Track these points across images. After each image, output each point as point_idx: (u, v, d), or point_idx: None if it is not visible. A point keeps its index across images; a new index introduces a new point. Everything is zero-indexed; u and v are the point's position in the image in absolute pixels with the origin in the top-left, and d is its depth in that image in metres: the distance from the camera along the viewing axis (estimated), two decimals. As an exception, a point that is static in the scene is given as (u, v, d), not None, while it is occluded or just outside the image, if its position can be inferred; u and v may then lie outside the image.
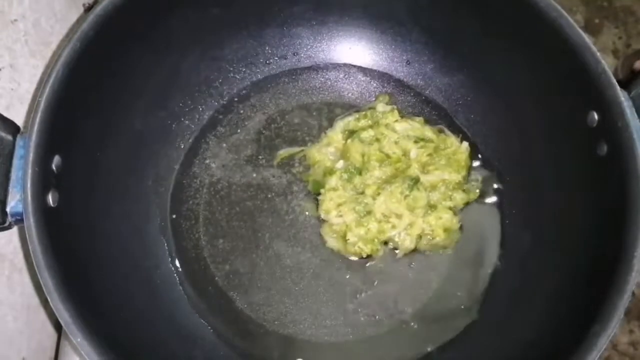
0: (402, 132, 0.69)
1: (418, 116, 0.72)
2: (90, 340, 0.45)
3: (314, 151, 0.70)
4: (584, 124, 0.55)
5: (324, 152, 0.70)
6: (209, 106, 0.72)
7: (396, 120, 0.69)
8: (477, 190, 0.68)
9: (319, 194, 0.68)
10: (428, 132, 0.69)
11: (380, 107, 0.71)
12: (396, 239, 0.66)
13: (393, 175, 0.67)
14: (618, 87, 0.52)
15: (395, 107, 0.71)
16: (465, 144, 0.69)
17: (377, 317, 0.64)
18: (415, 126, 0.69)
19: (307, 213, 0.68)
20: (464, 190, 0.67)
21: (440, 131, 0.71)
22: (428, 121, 0.71)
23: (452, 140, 0.70)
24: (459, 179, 0.67)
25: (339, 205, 0.66)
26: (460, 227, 0.67)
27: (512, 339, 0.59)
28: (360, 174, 0.67)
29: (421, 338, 0.63)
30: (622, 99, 0.52)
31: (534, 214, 0.65)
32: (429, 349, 0.63)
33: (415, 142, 0.68)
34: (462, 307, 0.64)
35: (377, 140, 0.68)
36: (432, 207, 0.66)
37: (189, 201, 0.68)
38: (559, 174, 0.62)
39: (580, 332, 0.47)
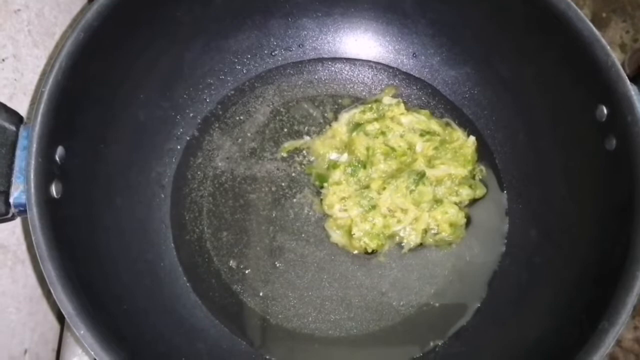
0: (407, 125, 0.68)
1: (424, 109, 0.71)
2: (93, 332, 0.45)
3: (319, 144, 0.70)
4: (593, 118, 0.54)
5: (329, 144, 0.69)
6: (213, 98, 0.72)
7: (402, 114, 0.69)
8: (484, 187, 0.68)
9: (322, 186, 0.67)
10: (434, 125, 0.69)
11: (386, 99, 0.70)
12: (401, 234, 0.65)
13: (398, 169, 0.66)
14: (628, 81, 0.51)
15: (401, 100, 0.70)
16: (472, 138, 0.69)
17: (381, 311, 0.64)
18: (421, 119, 0.69)
19: (311, 206, 0.68)
20: (470, 186, 0.67)
21: (447, 124, 0.70)
22: (434, 114, 0.71)
23: (458, 134, 0.69)
24: (465, 173, 0.67)
25: (342, 199, 0.66)
26: (466, 223, 0.66)
27: (517, 335, 0.59)
28: (364, 167, 0.67)
29: (426, 333, 0.63)
30: (633, 92, 0.51)
31: (541, 210, 0.64)
32: (433, 344, 0.63)
33: (421, 135, 0.68)
34: (467, 302, 0.64)
35: (383, 133, 0.68)
36: (437, 201, 0.65)
37: (192, 193, 0.68)
38: (566, 169, 0.61)
39: (588, 329, 0.47)
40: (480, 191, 0.67)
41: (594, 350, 0.46)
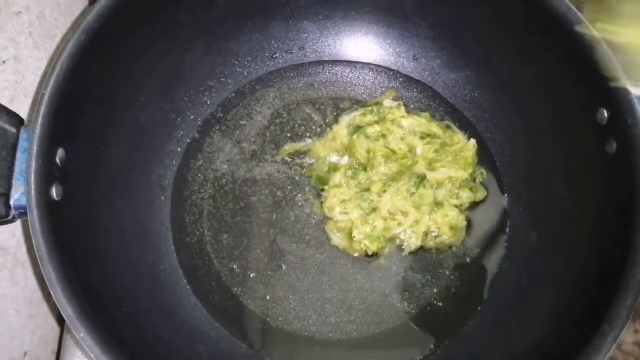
0: (408, 128, 0.68)
1: (424, 112, 0.71)
2: (93, 334, 0.45)
3: (319, 146, 0.69)
4: (594, 120, 0.55)
5: (329, 147, 0.69)
6: (214, 100, 0.72)
7: (402, 116, 0.69)
8: (485, 190, 0.68)
9: (323, 189, 0.67)
10: (434, 127, 0.69)
11: (387, 102, 0.70)
12: (402, 237, 0.65)
13: (399, 171, 0.66)
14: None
15: (401, 102, 0.70)
16: (473, 141, 0.69)
17: (382, 314, 0.64)
18: (421, 122, 0.69)
19: (312, 209, 0.68)
20: (470, 189, 0.67)
21: (447, 127, 0.70)
22: (434, 117, 0.71)
23: (459, 136, 0.69)
24: (465, 176, 0.67)
25: (343, 201, 0.65)
26: (467, 225, 0.66)
27: (517, 339, 0.58)
28: (365, 170, 0.66)
29: (426, 335, 0.63)
30: (633, 95, 0.51)
31: (541, 212, 0.64)
32: (433, 347, 0.63)
33: (422, 138, 0.68)
34: (468, 306, 0.64)
35: (383, 136, 0.68)
36: (438, 204, 0.65)
37: (192, 196, 0.68)
38: (567, 172, 0.61)
39: (588, 332, 0.47)
40: (480, 194, 0.67)
41: (594, 353, 0.46)
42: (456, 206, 0.66)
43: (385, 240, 0.65)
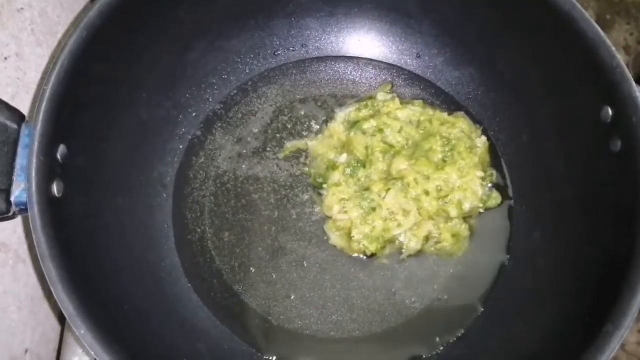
0: (404, 119, 0.67)
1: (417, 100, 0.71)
2: (93, 332, 0.45)
3: (317, 144, 0.69)
4: (598, 119, 0.54)
5: (327, 145, 0.69)
6: (216, 97, 0.71)
7: (398, 108, 0.68)
8: (499, 196, 0.66)
9: (322, 188, 0.67)
10: (429, 111, 0.68)
11: (381, 95, 0.70)
12: (401, 239, 0.64)
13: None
14: (633, 82, 0.51)
15: (395, 95, 0.70)
16: (484, 139, 0.68)
17: (383, 313, 0.63)
18: (416, 110, 0.68)
19: (313, 207, 0.67)
20: (482, 199, 0.65)
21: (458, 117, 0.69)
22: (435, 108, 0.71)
23: (465, 122, 0.68)
24: (478, 177, 0.65)
25: (342, 200, 0.65)
26: (470, 235, 0.65)
27: (521, 338, 0.58)
28: (364, 167, 0.66)
29: (429, 335, 0.63)
30: (638, 94, 0.51)
31: (545, 211, 0.64)
32: (435, 346, 0.62)
33: (418, 127, 0.67)
34: (471, 305, 0.64)
35: (380, 130, 0.67)
36: (444, 211, 0.64)
37: (194, 193, 0.68)
38: (570, 171, 0.61)
39: (592, 332, 0.47)
40: (494, 200, 0.66)
41: (598, 353, 0.45)
42: (465, 217, 0.65)
43: (385, 242, 0.64)
